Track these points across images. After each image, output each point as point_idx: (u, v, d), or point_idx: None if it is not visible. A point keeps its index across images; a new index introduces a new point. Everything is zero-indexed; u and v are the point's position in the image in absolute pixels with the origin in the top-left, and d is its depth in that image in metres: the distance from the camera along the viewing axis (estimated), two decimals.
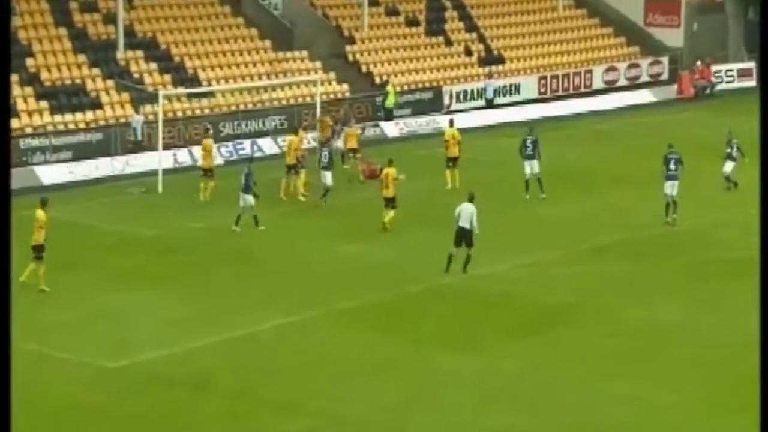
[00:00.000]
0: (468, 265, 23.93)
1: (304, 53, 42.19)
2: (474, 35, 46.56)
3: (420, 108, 42.09)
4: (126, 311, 21.76)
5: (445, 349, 19.86)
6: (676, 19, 49.19)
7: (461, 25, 46.80)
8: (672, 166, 27.67)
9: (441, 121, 41.56)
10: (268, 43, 41.92)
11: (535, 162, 30.18)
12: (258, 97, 39.53)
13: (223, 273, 24.47)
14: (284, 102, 40.08)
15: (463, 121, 41.63)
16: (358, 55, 43.75)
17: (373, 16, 45.12)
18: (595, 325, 20.96)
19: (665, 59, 48.01)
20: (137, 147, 35.02)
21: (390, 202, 27.26)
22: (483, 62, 45.33)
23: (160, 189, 31.95)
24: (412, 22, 45.88)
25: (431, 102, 42.55)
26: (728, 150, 30.50)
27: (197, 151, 35.03)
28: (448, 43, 45.85)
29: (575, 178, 33.09)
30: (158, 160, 32.49)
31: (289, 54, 41.94)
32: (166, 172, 32.57)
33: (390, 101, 40.84)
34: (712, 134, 38.81)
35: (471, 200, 24.17)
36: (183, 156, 35.62)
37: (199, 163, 31.86)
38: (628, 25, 49.53)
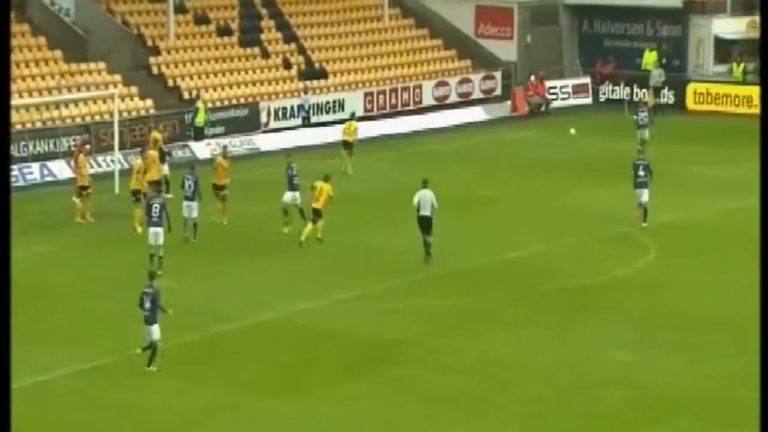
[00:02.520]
0: (431, 252, 26.46)
1: (101, 65, 41.27)
2: (293, 46, 46.60)
3: (234, 126, 41.78)
4: None
5: (265, 395, 19.69)
6: (508, 30, 50.54)
7: (279, 35, 46.77)
8: (641, 173, 29.79)
9: (258, 140, 41.43)
10: (58, 53, 40.80)
11: (298, 193, 29.65)
12: (47, 114, 38.40)
13: (14, 313, 23.36)
14: (78, 120, 39.05)
15: (282, 140, 41.66)
16: (163, 68, 43.09)
17: (180, 25, 44.57)
18: (428, 363, 21.17)
19: (498, 74, 49.23)
20: None
21: (317, 214, 28.10)
22: (303, 76, 45.40)
23: None
24: (224, 32, 45.54)
25: (247, 119, 42.31)
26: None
27: None
28: (265, 54, 45.72)
29: (404, 203, 33.37)
30: None
31: (83, 66, 40.94)
32: None
33: (200, 119, 40.38)
34: (549, 155, 39.97)
35: (426, 186, 26.78)
36: None
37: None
38: (458, 37, 50.59)
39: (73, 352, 21.45)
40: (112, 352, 21.47)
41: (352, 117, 39.62)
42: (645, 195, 29.68)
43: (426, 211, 26.46)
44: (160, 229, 25.97)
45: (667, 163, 37.65)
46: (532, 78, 48.15)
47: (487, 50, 50.42)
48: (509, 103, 47.98)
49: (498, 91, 48.94)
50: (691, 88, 47.11)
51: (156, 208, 26.02)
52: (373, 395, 19.71)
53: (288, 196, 29.58)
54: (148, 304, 20.58)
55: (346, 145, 37.59)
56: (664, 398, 19.52)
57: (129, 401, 19.45)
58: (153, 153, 31.83)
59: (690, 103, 47.06)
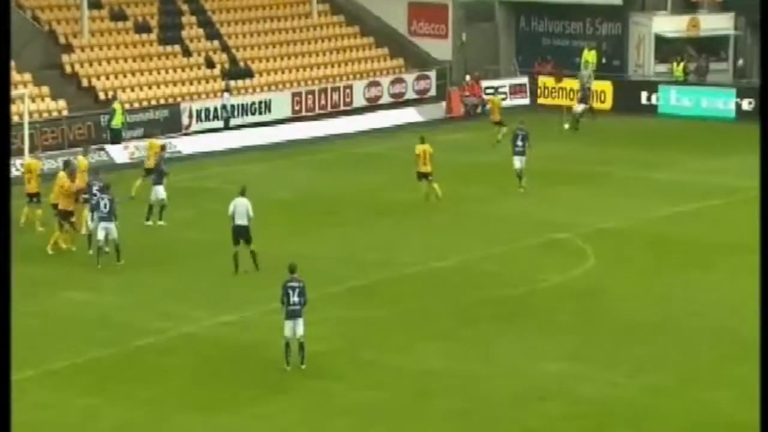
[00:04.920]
0: (257, 261, 26.54)
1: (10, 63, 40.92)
2: (216, 44, 46.63)
3: (154, 128, 41.62)
4: None
5: (184, 411, 19.75)
6: (443, 28, 50.97)
7: (201, 32, 46.78)
8: (519, 143, 34.88)
9: (179, 143, 41.38)
10: None
11: (113, 225, 28.15)
12: None
13: None
14: None
15: (204, 143, 41.66)
16: (77, 66, 42.90)
17: (94, 21, 44.42)
18: (355, 376, 21.36)
19: (432, 73, 49.61)
20: None
21: (426, 177, 33.16)
22: (227, 75, 45.43)
23: None
24: (142, 28, 45.44)
25: (167, 121, 42.30)
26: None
27: None
28: (187, 53, 45.70)
29: (331, 208, 33.62)
30: None
31: None
32: None
33: (117, 121, 40.30)
34: (484, 159, 40.38)
35: (243, 194, 26.67)
36: None
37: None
38: (390, 35, 50.95)
39: None
40: (21, 368, 21.34)
41: (495, 92, 45.20)
42: (522, 162, 34.61)
43: (242, 221, 26.44)
44: None
45: (597, 165, 38.65)
46: (468, 78, 48.57)
47: (421, 49, 50.83)
48: (444, 104, 48.38)
49: (432, 92, 49.34)
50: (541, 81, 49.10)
51: None
52: (298, 410, 19.82)
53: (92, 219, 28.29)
54: (296, 298, 21.06)
55: (497, 124, 41.83)
56: (598, 410, 19.89)
57: (39, 420, 19.39)
58: (33, 162, 31.10)
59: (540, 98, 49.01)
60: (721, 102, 46.52)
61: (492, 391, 20.57)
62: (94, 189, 28.24)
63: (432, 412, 19.78)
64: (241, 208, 26.49)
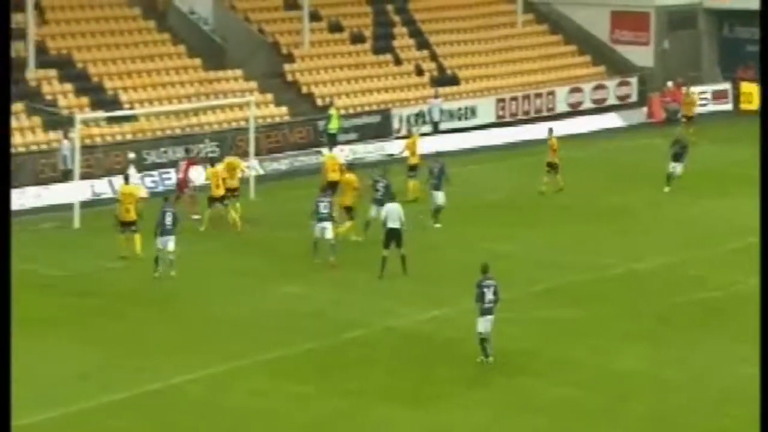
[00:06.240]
0: (405, 265, 26.62)
1: (238, 72, 42.44)
2: (425, 53, 47.19)
3: (367, 133, 42.49)
4: (24, 362, 20.58)
5: (388, 403, 19.95)
6: (645, 35, 50.19)
7: (411, 42, 47.42)
8: (679, 150, 35.56)
9: (390, 147, 42.14)
10: (197, 61, 42.16)
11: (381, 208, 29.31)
12: (186, 121, 39.50)
13: (140, 318, 24.30)
14: (216, 127, 40.26)
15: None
16: (297, 75, 44.12)
17: (314, 32, 45.56)
18: (549, 374, 21.21)
19: (634, 80, 48.93)
20: (65, 176, 34.71)
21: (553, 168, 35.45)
22: (435, 82, 45.93)
23: (76, 224, 31.94)
24: (357, 39, 46.40)
25: (379, 126, 42.97)
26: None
27: (118, 181, 34.89)
28: (398, 61, 46.42)
29: (535, 210, 33.67)
30: (74, 191, 32.49)
31: (221, 73, 42.19)
32: (83, 205, 32.48)
33: (333, 125, 41.18)
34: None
35: (393, 199, 27.53)
36: (102, 187, 35.65)
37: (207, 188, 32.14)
38: (593, 43, 50.48)
39: (197, 358, 21.87)
40: (239, 356, 21.97)
41: (686, 85, 45.51)
42: (679, 168, 35.15)
43: (394, 224, 26.50)
44: (172, 237, 26.90)
45: None
46: (670, 84, 47.73)
47: (622, 56, 50.19)
48: (645, 109, 47.71)
49: (633, 98, 48.66)
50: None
51: (169, 216, 26.91)
52: (494, 406, 19.78)
53: (374, 210, 29.55)
54: (491, 296, 21.56)
55: (688, 119, 43.34)
56: None
57: (253, 407, 19.77)
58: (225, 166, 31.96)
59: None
60: None
61: (689, 396, 20.08)
62: (379, 185, 29.98)
63: (627, 414, 19.41)
64: (393, 213, 26.64)
